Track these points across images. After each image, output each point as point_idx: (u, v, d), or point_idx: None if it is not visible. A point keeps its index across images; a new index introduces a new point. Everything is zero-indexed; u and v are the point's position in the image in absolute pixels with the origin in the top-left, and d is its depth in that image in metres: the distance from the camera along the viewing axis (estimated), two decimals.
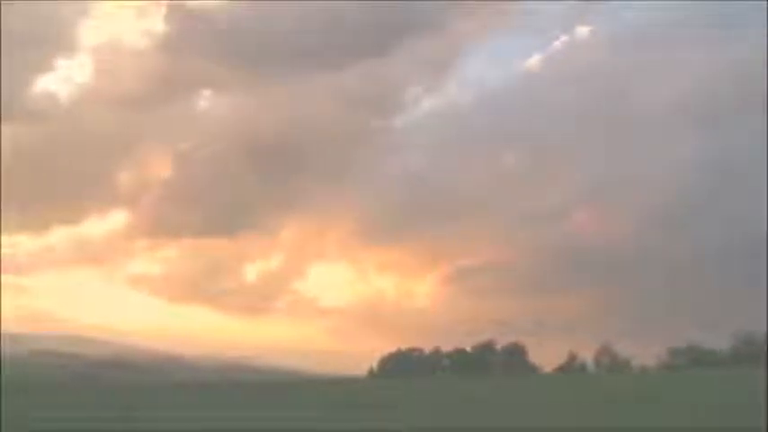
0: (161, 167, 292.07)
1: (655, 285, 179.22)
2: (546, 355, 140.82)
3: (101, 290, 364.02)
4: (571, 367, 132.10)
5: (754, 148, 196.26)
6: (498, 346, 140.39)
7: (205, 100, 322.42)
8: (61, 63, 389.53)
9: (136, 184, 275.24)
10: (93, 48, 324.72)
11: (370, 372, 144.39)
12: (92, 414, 43.55)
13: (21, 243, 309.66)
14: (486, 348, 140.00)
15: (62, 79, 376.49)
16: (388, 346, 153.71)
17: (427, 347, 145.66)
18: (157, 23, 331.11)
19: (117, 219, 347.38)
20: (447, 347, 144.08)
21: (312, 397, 64.90)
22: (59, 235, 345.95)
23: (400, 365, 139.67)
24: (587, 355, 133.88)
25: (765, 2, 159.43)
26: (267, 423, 38.51)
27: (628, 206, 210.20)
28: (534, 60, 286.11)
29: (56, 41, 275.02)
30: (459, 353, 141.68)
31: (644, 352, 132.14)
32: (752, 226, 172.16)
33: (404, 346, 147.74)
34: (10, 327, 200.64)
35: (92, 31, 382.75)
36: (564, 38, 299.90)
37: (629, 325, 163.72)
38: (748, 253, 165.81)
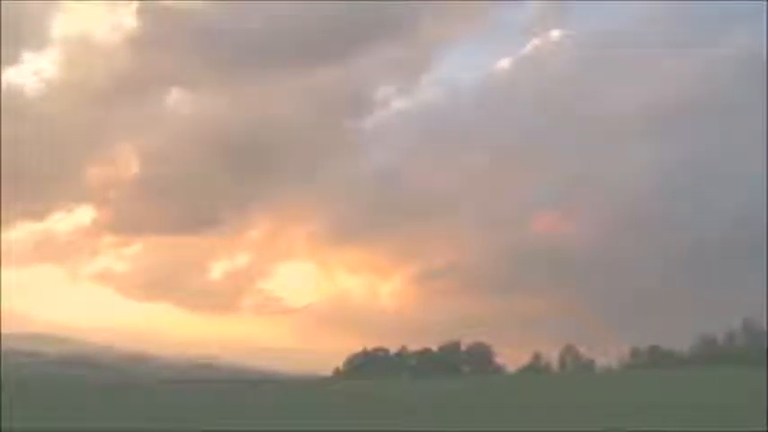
0: (129, 164, 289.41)
1: (618, 287, 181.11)
2: (511, 356, 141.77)
3: (65, 287, 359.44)
4: (536, 367, 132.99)
5: (721, 150, 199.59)
6: (464, 346, 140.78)
7: (175, 97, 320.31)
8: (29, 57, 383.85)
9: (103, 180, 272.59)
10: (62, 42, 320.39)
11: (336, 371, 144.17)
12: (49, 413, 43.01)
13: None
14: (452, 348, 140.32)
15: (30, 73, 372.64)
16: (355, 346, 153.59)
17: (393, 347, 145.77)
18: (128, 19, 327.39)
19: (83, 215, 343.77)
20: (413, 347, 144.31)
21: (277, 396, 64.74)
22: (24, 231, 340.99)
23: (366, 365, 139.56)
24: (552, 356, 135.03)
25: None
26: (230, 422, 38.35)
27: (594, 208, 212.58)
28: (505, 62, 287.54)
29: (24, 35, 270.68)
30: (425, 352, 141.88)
31: (607, 352, 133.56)
32: (714, 229, 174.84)
33: (370, 346, 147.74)
34: None
35: (61, 24, 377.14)
36: (535, 40, 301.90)
37: (592, 326, 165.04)
38: (710, 255, 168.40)
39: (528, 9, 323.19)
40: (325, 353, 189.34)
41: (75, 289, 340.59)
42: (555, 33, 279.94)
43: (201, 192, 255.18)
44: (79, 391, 75.22)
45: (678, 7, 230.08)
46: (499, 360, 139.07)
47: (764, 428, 29.82)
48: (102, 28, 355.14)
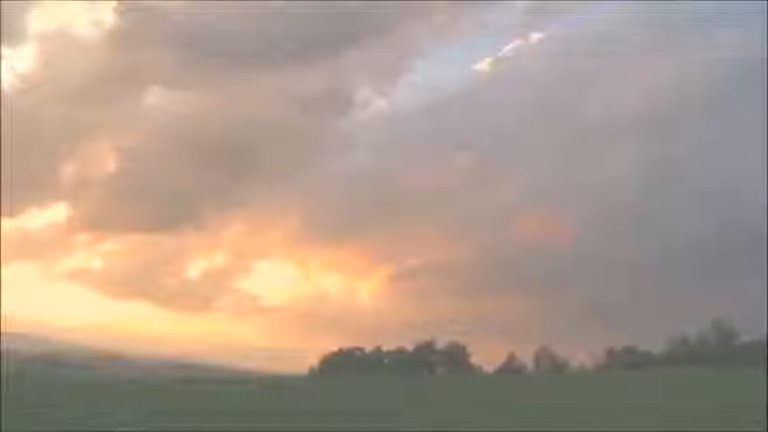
0: (105, 161, 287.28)
1: (593, 288, 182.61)
2: (486, 356, 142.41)
3: (39, 284, 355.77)
4: (511, 367, 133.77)
5: (699, 154, 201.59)
6: (439, 346, 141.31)
7: (153, 95, 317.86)
8: (6, 52, 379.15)
9: (79, 177, 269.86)
10: (39, 37, 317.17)
11: (311, 370, 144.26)
12: (22, 412, 42.69)
13: None
14: (427, 348, 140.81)
15: (5, 68, 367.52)
16: (331, 345, 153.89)
17: (369, 346, 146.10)
18: (107, 16, 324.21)
19: (58, 212, 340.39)
20: (389, 346, 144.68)
21: (252, 395, 64.59)
22: None
23: (341, 364, 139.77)
24: (527, 356, 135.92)
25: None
26: (205, 421, 38.27)
27: (571, 211, 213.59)
28: (484, 64, 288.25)
29: (1, 30, 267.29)
30: (401, 352, 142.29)
31: (582, 353, 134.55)
32: (690, 231, 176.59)
33: (346, 345, 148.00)
34: None
35: (39, 20, 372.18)
36: (516, 42, 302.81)
37: (567, 327, 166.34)
38: (685, 257, 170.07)
39: (510, 11, 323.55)
40: (301, 352, 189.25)
41: (49, 287, 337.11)
42: (536, 36, 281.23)
43: (178, 190, 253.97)
44: (53, 389, 74.58)
45: (662, 10, 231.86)
46: (474, 360, 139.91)
47: (737, 428, 30.22)
48: (81, 24, 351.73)
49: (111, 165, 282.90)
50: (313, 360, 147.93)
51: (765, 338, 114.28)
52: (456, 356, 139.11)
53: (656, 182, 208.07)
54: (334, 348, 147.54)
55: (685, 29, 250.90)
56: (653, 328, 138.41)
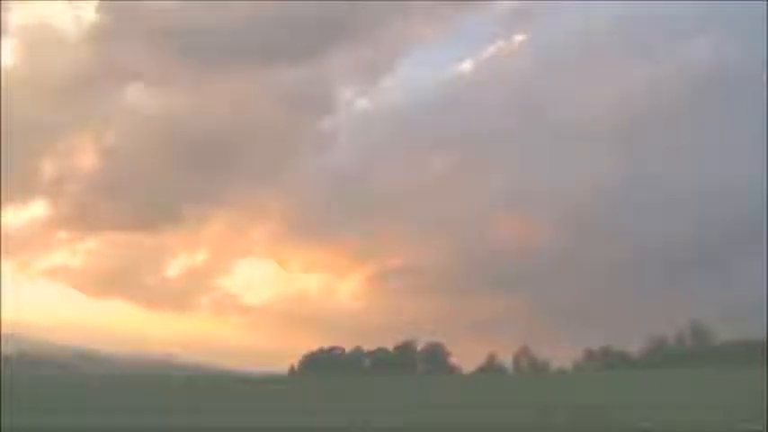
0: (86, 159, 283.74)
1: (572, 289, 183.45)
2: (466, 356, 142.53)
3: (17, 282, 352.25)
4: (490, 368, 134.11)
5: (674, 157, 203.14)
6: (419, 346, 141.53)
7: (134, 93, 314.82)
8: None
9: (58, 174, 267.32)
10: (20, 32, 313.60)
11: (291, 370, 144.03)
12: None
13: None
14: (408, 348, 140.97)
15: None
16: (311, 344, 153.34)
17: (349, 346, 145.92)
18: (89, 12, 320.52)
19: (37, 209, 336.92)
20: (369, 346, 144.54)
21: (233, 394, 64.61)
22: None
23: (322, 364, 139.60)
24: (506, 357, 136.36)
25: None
26: (185, 419, 38.31)
27: (550, 211, 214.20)
28: (466, 65, 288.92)
29: None
30: (381, 352, 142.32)
31: (561, 354, 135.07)
32: (666, 233, 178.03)
33: (326, 345, 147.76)
34: None
35: (20, 13, 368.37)
36: (499, 43, 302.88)
37: (547, 327, 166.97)
38: (661, 259, 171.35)
39: (492, 13, 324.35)
40: (282, 351, 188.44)
41: (27, 284, 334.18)
42: (518, 38, 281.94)
43: (160, 188, 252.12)
44: (31, 388, 74.25)
45: (641, 14, 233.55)
46: (454, 360, 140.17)
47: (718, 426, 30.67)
48: (63, 20, 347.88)
49: (90, 162, 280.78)
50: (293, 359, 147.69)
51: (741, 339, 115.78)
52: (436, 357, 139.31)
53: (632, 184, 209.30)
54: (314, 348, 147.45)
55: (662, 33, 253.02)
56: (631, 328, 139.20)
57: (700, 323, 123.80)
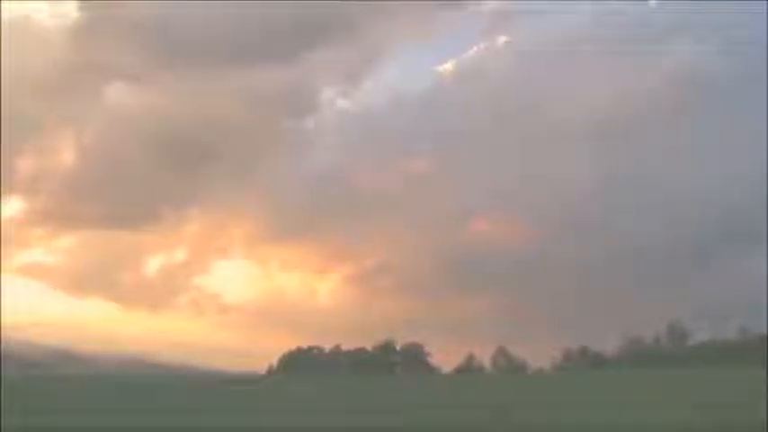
0: (64, 156, 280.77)
1: (549, 290, 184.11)
2: (445, 356, 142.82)
3: None
4: (469, 368, 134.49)
5: (656, 157, 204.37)
6: (398, 346, 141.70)
7: (114, 91, 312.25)
8: None
9: (36, 171, 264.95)
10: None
11: (270, 369, 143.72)
12: None
13: None
14: (387, 348, 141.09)
15: None
16: (290, 344, 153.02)
17: (328, 346, 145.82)
18: (70, 8, 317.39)
19: (13, 206, 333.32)
20: (348, 346, 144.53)
21: (211, 394, 64.32)
22: None
23: (300, 363, 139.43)
24: (485, 357, 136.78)
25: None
26: (162, 419, 38.07)
27: (529, 211, 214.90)
28: (449, 65, 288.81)
29: None
30: (360, 352, 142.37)
31: (539, 354, 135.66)
32: (645, 233, 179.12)
33: (305, 345, 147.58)
34: None
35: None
36: (481, 45, 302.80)
37: (524, 328, 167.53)
38: (638, 259, 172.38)
39: (476, 13, 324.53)
40: (260, 351, 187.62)
41: (2, 282, 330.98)
42: (502, 38, 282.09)
43: (138, 186, 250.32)
44: (6, 388, 73.47)
45: (626, 14, 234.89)
46: (433, 360, 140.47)
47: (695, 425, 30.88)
48: (43, 15, 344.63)
49: (69, 159, 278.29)
50: (272, 359, 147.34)
51: (715, 339, 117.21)
52: (415, 357, 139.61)
53: (607, 184, 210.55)
54: (293, 347, 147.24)
55: (647, 34, 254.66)
56: (608, 329, 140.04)
57: (675, 324, 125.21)
